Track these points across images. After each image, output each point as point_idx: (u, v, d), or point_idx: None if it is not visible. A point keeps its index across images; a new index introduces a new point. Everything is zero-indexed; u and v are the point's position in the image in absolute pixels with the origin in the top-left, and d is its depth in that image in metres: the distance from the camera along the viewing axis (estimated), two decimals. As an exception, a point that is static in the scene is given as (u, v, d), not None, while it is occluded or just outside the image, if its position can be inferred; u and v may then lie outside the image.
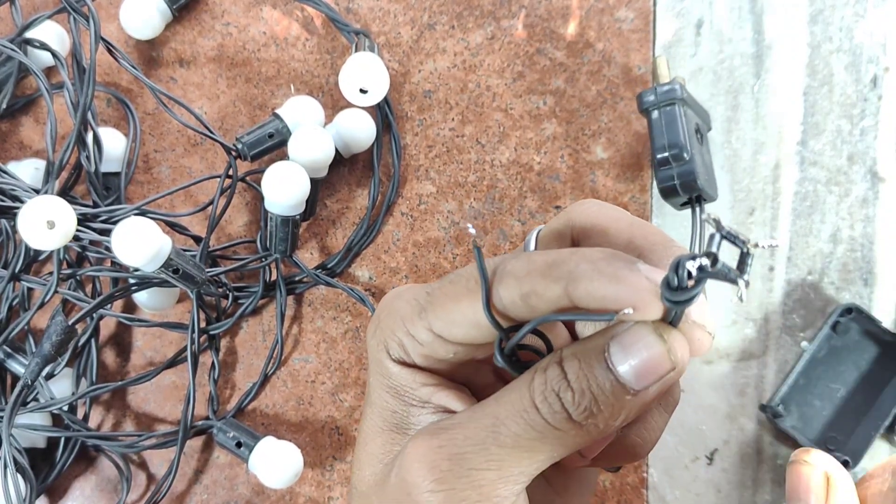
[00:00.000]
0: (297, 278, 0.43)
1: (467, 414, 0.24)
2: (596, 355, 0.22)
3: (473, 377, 0.27)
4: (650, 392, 0.22)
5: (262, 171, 0.39)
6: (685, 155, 0.38)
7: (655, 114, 0.39)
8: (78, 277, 0.41)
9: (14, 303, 0.41)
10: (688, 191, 0.38)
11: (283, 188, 0.38)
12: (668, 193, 0.39)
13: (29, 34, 0.40)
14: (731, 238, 0.20)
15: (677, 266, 0.19)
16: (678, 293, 0.19)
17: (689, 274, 0.19)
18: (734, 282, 0.19)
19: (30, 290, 0.41)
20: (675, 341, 0.22)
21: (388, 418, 0.26)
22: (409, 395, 0.25)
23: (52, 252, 0.37)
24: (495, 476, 0.23)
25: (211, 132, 0.40)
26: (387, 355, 0.26)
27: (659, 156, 0.38)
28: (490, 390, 0.28)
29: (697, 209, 0.39)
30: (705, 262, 0.19)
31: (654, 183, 0.40)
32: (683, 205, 0.40)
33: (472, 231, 0.23)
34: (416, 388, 0.25)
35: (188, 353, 0.41)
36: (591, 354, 0.22)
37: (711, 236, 0.20)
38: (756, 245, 0.20)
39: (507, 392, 0.23)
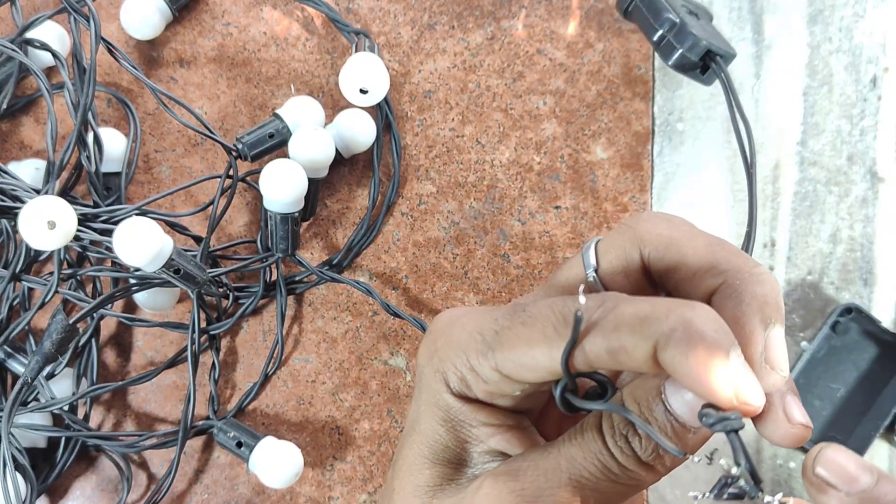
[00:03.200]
0: (297, 278, 0.43)
1: (540, 455, 0.23)
2: (654, 398, 0.22)
3: (531, 405, 0.27)
4: (697, 449, 0.22)
5: (261, 171, 0.39)
6: (675, 22, 0.37)
7: (636, 6, 0.39)
8: (78, 277, 0.41)
9: (14, 303, 0.41)
10: (696, 52, 0.37)
11: (280, 185, 0.38)
12: (683, 67, 0.38)
13: (29, 34, 0.40)
14: (741, 494, 0.20)
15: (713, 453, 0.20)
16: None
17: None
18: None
19: (30, 290, 0.41)
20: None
21: (438, 451, 0.25)
22: (465, 432, 0.25)
23: (52, 252, 0.37)
24: None
25: (211, 132, 0.40)
26: (446, 387, 0.25)
27: (655, 37, 0.38)
28: (542, 413, 0.28)
29: (721, 72, 0.38)
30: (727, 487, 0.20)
31: (669, 66, 0.39)
32: (705, 72, 0.38)
33: (583, 301, 0.22)
34: (475, 426, 0.25)
35: (189, 353, 0.41)
36: (649, 396, 0.22)
37: (725, 483, 0.20)
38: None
39: (578, 434, 0.23)
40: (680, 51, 0.37)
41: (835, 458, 0.24)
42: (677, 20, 0.37)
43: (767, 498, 0.20)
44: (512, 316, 0.24)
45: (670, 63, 0.38)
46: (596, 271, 0.26)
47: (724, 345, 0.20)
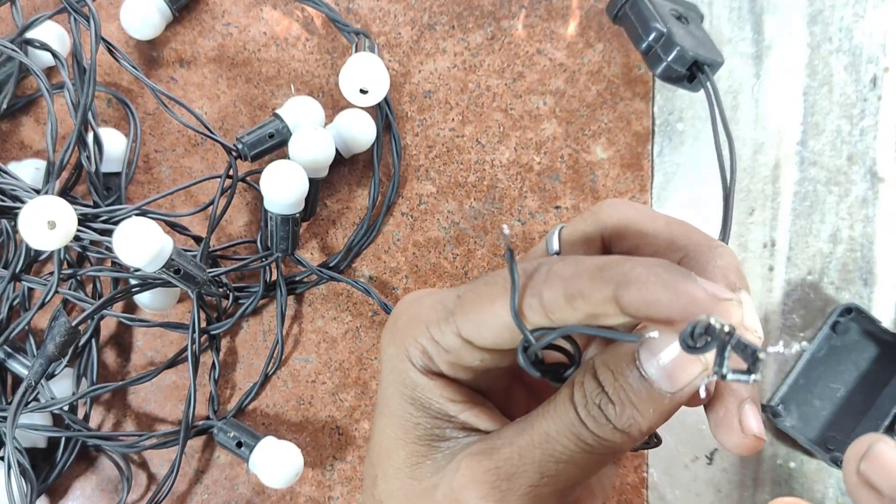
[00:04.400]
0: (297, 278, 0.43)
1: (515, 431, 0.23)
2: (627, 364, 0.22)
3: (493, 384, 0.27)
4: (686, 392, 0.22)
5: (262, 172, 0.39)
6: (662, 32, 0.37)
7: (624, 13, 0.39)
8: (78, 277, 0.41)
9: (15, 303, 0.41)
10: (682, 63, 0.38)
11: (282, 187, 0.38)
12: (669, 77, 0.38)
13: (29, 34, 0.40)
14: (741, 349, 0.19)
15: (693, 330, 0.20)
16: (691, 347, 0.20)
17: (700, 334, 0.20)
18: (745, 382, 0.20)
19: (30, 290, 0.41)
20: None
21: (411, 430, 0.25)
22: (434, 408, 0.25)
23: (52, 252, 0.37)
24: (551, 491, 0.23)
25: (211, 132, 0.40)
26: (410, 364, 0.25)
27: (642, 47, 0.38)
28: (507, 396, 0.27)
29: (707, 81, 0.38)
30: (714, 372, 0.20)
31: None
32: (691, 81, 0.39)
33: (507, 231, 0.22)
34: (443, 403, 0.25)
35: (189, 353, 0.41)
36: (623, 363, 0.22)
37: (721, 347, 0.20)
38: (766, 354, 0.19)
39: (550, 407, 0.23)
40: (666, 62, 0.38)
41: (885, 458, 0.22)
42: (664, 30, 0.37)
43: (772, 349, 0.20)
44: (474, 282, 0.24)
45: (657, 73, 0.38)
46: (558, 255, 0.26)
47: (685, 273, 0.21)
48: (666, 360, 0.21)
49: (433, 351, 0.24)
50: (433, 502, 0.24)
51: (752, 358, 0.19)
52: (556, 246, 0.27)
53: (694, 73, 0.38)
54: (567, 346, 0.24)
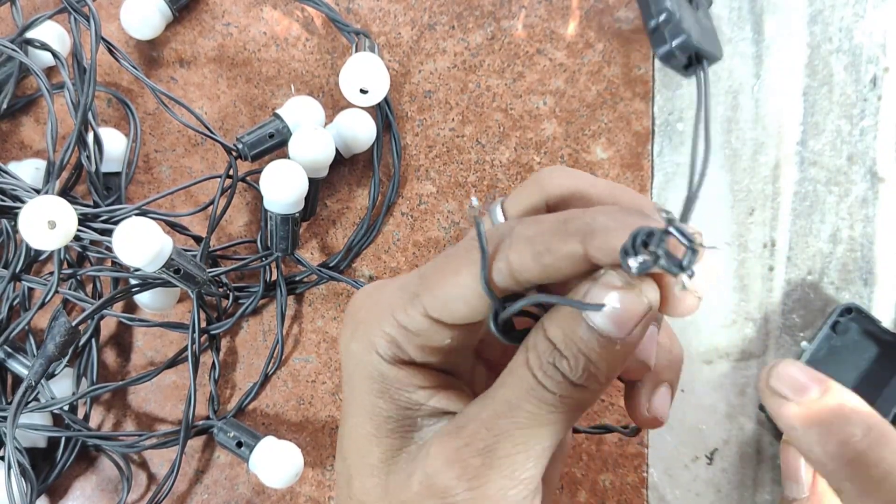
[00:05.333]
0: (297, 278, 0.43)
1: (479, 406, 0.24)
2: (574, 317, 0.22)
3: (460, 363, 0.27)
4: (636, 335, 0.22)
5: (262, 172, 0.39)
6: (674, 17, 0.38)
7: None
8: (78, 277, 0.41)
9: (15, 303, 0.41)
10: (685, 50, 0.38)
11: (281, 186, 0.38)
12: (667, 59, 0.39)
13: (29, 34, 0.40)
14: (680, 233, 0.20)
15: (634, 237, 0.20)
16: (635, 264, 0.20)
17: (646, 242, 0.20)
18: (673, 273, 0.20)
19: (30, 290, 0.41)
20: (643, 284, 0.22)
21: (382, 424, 0.25)
22: (403, 399, 0.25)
23: (52, 252, 0.37)
24: (524, 458, 0.23)
25: (211, 132, 0.40)
26: (377, 356, 0.24)
27: (650, 25, 0.38)
28: (472, 375, 0.27)
29: (700, 71, 0.39)
30: (646, 258, 0.20)
31: (655, 59, 0.40)
32: (687, 68, 0.39)
33: (476, 203, 0.22)
34: (413, 390, 0.25)
35: (189, 352, 0.41)
36: (570, 318, 0.22)
37: (662, 232, 0.20)
38: (700, 245, 0.20)
39: (508, 376, 0.23)
40: (669, 47, 0.38)
41: (787, 371, 0.25)
42: (676, 14, 0.37)
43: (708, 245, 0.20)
44: (433, 259, 0.24)
45: (658, 54, 0.38)
46: None
47: (641, 212, 0.22)
48: (609, 303, 0.21)
49: (401, 337, 0.24)
50: (410, 492, 0.24)
51: (689, 245, 0.19)
52: (500, 218, 0.27)
53: (692, 63, 0.38)
54: (534, 310, 0.24)
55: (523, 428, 0.23)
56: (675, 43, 0.38)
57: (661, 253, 0.20)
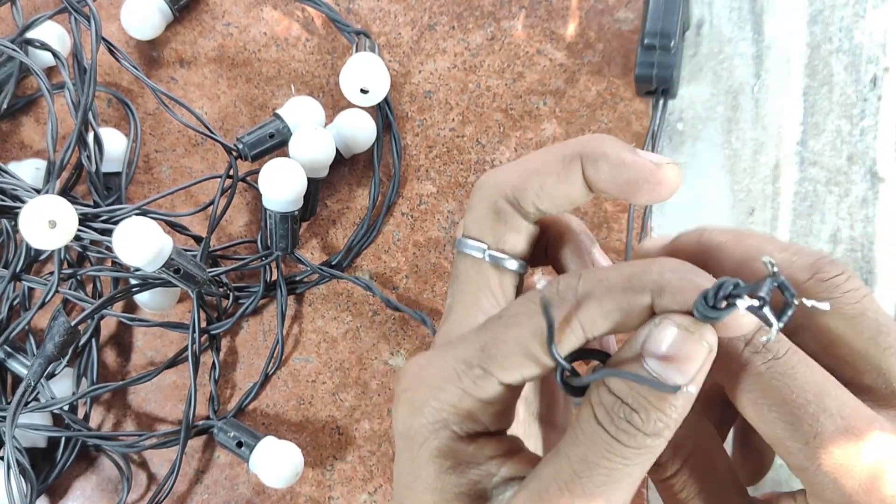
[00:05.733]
0: (298, 278, 0.43)
1: (554, 468, 0.23)
2: (636, 368, 0.22)
3: (510, 416, 0.27)
4: (699, 380, 0.22)
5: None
6: (672, 47, 0.38)
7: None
8: (79, 277, 0.41)
9: (15, 302, 0.41)
10: (661, 82, 0.39)
11: (280, 184, 0.38)
12: (641, 78, 0.40)
13: (30, 34, 0.40)
14: (783, 288, 0.20)
15: (719, 287, 0.20)
16: (710, 310, 0.21)
17: (726, 295, 0.20)
18: (768, 324, 0.20)
19: (30, 289, 0.41)
20: (701, 328, 0.22)
21: (451, 500, 0.24)
22: (476, 472, 0.24)
23: (52, 252, 0.37)
24: None
25: (211, 132, 0.40)
26: (451, 433, 0.24)
27: (648, 40, 0.39)
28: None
29: (661, 102, 0.41)
30: (754, 302, 0.20)
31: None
32: (648, 93, 0.41)
33: (542, 285, 0.23)
34: (484, 462, 0.24)
35: (189, 352, 0.41)
36: (632, 368, 0.22)
37: (765, 281, 0.20)
38: (801, 302, 0.20)
39: (578, 431, 0.23)
40: (652, 72, 0.40)
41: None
42: (674, 50, 0.39)
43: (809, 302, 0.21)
44: (486, 329, 0.24)
45: (637, 69, 0.40)
46: (488, 248, 0.26)
47: (704, 273, 0.22)
48: (665, 348, 0.22)
49: (479, 410, 0.24)
50: None
51: (790, 301, 0.20)
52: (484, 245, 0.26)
53: (657, 90, 0.40)
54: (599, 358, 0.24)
55: (603, 485, 0.23)
56: (657, 72, 0.40)
57: (766, 300, 0.20)
